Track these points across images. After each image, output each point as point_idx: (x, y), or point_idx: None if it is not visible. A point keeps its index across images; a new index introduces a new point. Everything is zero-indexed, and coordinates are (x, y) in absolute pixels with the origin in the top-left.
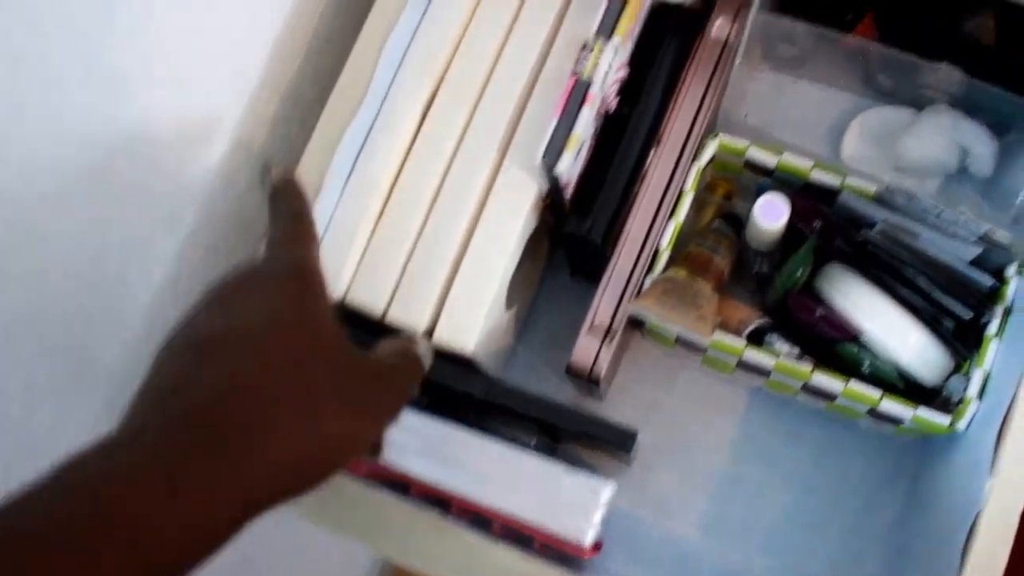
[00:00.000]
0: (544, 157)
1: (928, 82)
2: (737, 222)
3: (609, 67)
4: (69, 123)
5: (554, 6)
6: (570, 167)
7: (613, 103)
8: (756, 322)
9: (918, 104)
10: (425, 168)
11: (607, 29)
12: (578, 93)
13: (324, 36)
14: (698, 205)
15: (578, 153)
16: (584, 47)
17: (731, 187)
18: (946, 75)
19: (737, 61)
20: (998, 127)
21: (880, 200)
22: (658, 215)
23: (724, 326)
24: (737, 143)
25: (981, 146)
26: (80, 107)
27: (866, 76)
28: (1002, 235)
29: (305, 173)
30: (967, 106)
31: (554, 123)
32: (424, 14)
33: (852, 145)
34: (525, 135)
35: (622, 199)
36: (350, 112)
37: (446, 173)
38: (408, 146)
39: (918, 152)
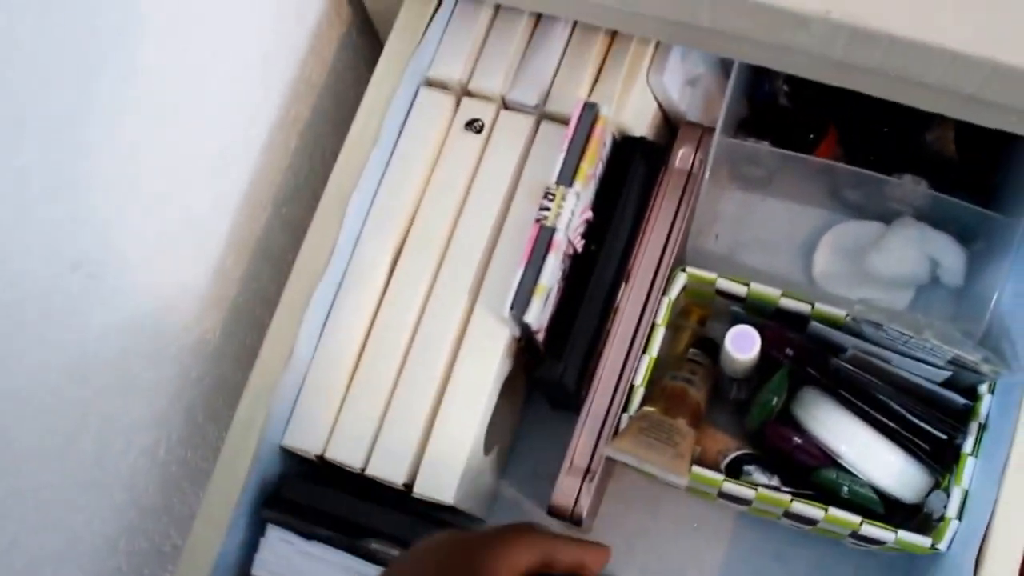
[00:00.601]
0: (512, 308)
1: (894, 195)
2: (713, 347)
3: (572, 213)
4: (36, 316)
5: (515, 154)
6: (539, 314)
7: (580, 244)
8: (734, 453)
9: (887, 217)
10: (397, 321)
11: (567, 178)
12: (542, 241)
13: (291, 186)
14: (673, 331)
15: (547, 299)
16: (546, 195)
17: (706, 312)
18: (911, 188)
19: (703, 187)
20: (965, 236)
21: (849, 329)
22: (631, 351)
23: (703, 457)
24: (706, 275)
25: (950, 257)
26: (47, 293)
27: (834, 191)
28: (971, 359)
29: (278, 329)
30: (934, 218)
31: (520, 272)
32: (388, 164)
33: (824, 261)
34: (494, 281)
35: (594, 337)
36: (321, 265)
37: (418, 324)
38: (379, 299)
39: (888, 267)
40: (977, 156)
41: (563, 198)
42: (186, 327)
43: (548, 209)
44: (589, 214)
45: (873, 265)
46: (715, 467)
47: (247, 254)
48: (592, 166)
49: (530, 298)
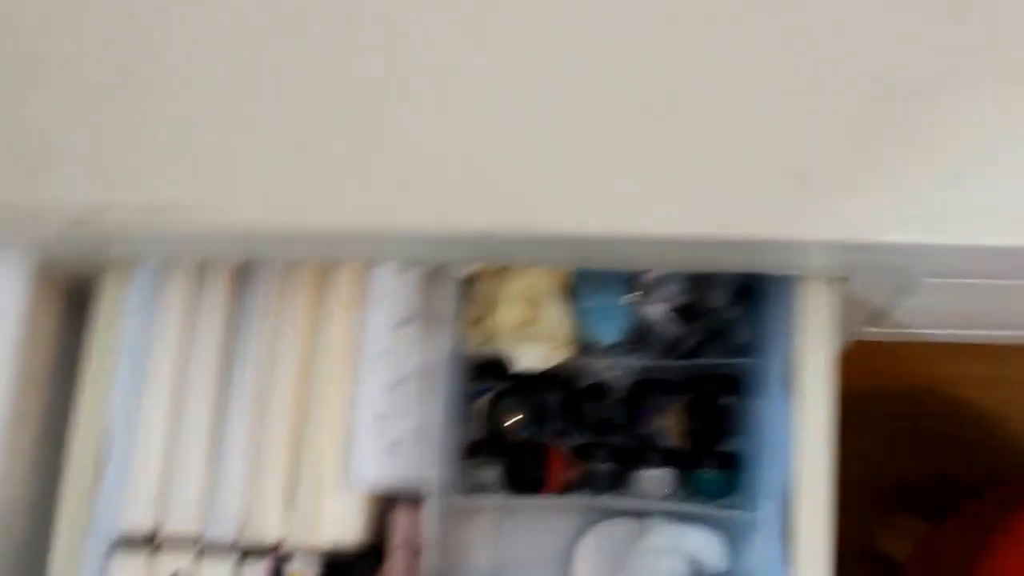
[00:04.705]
0: None
1: (643, 492)
2: None
3: None
4: None
5: None
6: None
7: None
8: None
9: (641, 512)
10: None
11: None
12: None
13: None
14: None
15: None
16: None
17: None
18: (655, 483)
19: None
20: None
21: None
22: None
23: None
24: None
25: (709, 552)
26: None
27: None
28: None
29: None
30: (685, 512)
31: None
32: None
33: (584, 569)
34: None
35: None
36: None
37: None
38: None
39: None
40: (706, 439)
41: None
42: None
43: None
44: None
45: (633, 573)
46: None
47: None
48: None
49: None
